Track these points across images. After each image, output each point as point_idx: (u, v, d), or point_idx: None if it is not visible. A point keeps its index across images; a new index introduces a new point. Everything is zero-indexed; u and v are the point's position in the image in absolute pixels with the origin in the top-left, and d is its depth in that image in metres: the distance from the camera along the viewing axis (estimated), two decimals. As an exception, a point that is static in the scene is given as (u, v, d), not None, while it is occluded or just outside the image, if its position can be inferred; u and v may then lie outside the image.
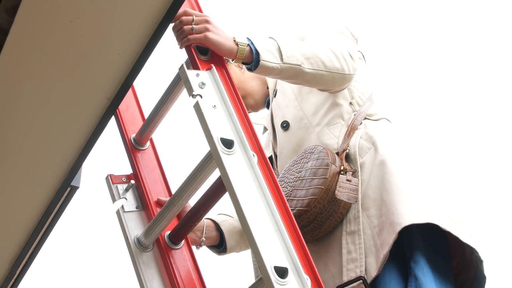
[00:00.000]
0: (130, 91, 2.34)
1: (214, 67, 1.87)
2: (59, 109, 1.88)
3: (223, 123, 1.77)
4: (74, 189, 3.39)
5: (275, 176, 1.78)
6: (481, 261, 2.05)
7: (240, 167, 1.71)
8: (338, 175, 2.06)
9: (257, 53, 1.99)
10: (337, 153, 2.16)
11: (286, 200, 1.77)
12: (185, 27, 1.97)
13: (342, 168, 2.08)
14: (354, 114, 2.28)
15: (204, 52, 1.95)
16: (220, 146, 1.70)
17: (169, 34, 2.05)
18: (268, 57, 2.00)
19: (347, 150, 2.15)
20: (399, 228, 1.92)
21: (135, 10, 1.63)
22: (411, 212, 1.95)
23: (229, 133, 1.75)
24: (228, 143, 1.72)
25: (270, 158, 2.48)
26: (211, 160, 1.77)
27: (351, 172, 2.08)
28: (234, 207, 1.66)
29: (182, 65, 1.83)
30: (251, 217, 1.62)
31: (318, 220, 2.06)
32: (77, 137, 1.97)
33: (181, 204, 1.92)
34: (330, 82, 2.17)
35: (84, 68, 1.77)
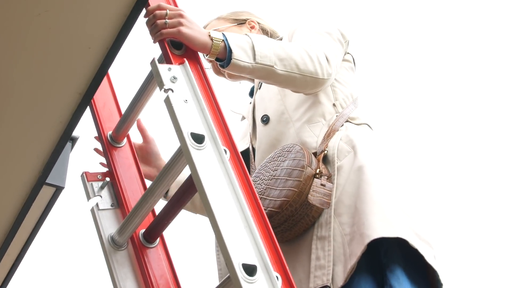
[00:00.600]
0: (108, 87, 2.32)
1: (187, 61, 1.84)
2: (30, 105, 1.85)
3: (194, 117, 1.74)
4: (59, 189, 3.37)
5: (247, 172, 1.75)
6: (441, 285, 1.99)
7: (211, 162, 1.68)
8: (313, 179, 2.03)
9: (230, 51, 1.97)
10: (315, 153, 2.13)
11: (259, 197, 1.74)
12: (159, 21, 1.94)
13: (317, 171, 2.05)
14: (337, 115, 2.25)
15: (178, 47, 1.92)
16: (189, 141, 1.67)
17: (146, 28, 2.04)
18: (240, 55, 1.98)
19: (325, 152, 2.13)
20: (367, 241, 1.89)
21: (104, 2, 1.61)
22: (382, 224, 1.92)
23: (200, 128, 1.72)
24: (198, 138, 1.69)
25: (247, 151, 2.45)
26: (181, 155, 1.74)
27: (326, 177, 2.05)
28: (202, 202, 1.63)
29: (153, 59, 1.81)
30: (219, 213, 1.59)
31: (289, 222, 2.03)
32: (50, 133, 1.94)
33: (154, 200, 1.89)
34: (302, 85, 2.14)
35: (54, 63, 1.74)
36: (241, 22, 2.65)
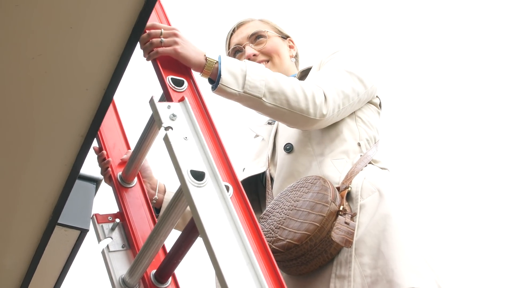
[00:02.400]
0: (117, 127, 2.31)
1: (187, 98, 1.82)
2: (32, 150, 1.85)
3: (195, 154, 1.71)
4: (84, 232, 3.37)
5: (251, 207, 1.70)
6: None
7: (211, 199, 1.64)
8: (337, 216, 1.97)
9: (220, 75, 1.97)
10: (338, 189, 2.08)
11: (274, 228, 1.70)
12: (154, 39, 1.97)
13: (341, 208, 1.99)
14: (361, 155, 2.22)
15: (179, 84, 1.91)
16: (189, 179, 1.64)
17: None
18: (228, 81, 1.98)
19: (349, 189, 2.07)
20: None
21: (96, 44, 1.61)
22: (411, 275, 1.85)
23: (200, 165, 1.69)
24: (198, 175, 1.66)
25: (261, 175, 2.42)
26: (182, 194, 1.71)
27: (350, 215, 1.99)
28: (203, 240, 1.59)
29: (152, 97, 1.79)
30: (219, 251, 1.54)
31: (307, 257, 1.97)
32: (56, 176, 1.94)
33: (161, 240, 1.86)
34: (291, 121, 2.12)
35: (52, 106, 1.75)
36: (284, 36, 2.66)
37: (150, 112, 2.11)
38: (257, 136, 2.58)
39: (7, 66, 1.61)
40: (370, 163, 2.22)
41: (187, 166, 1.67)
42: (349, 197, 2.07)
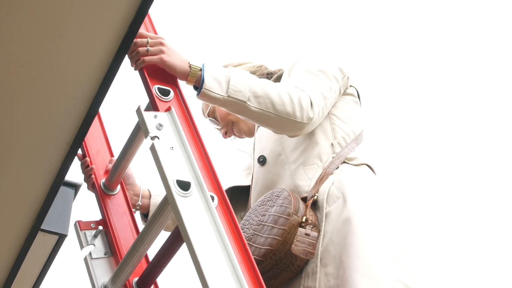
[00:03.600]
0: (101, 134, 2.32)
1: (173, 108, 1.84)
2: (18, 156, 1.85)
3: (181, 164, 1.73)
4: (62, 237, 3.36)
5: (235, 218, 1.72)
6: None
7: (197, 209, 1.66)
8: (297, 228, 1.99)
9: (203, 80, 1.98)
10: (305, 198, 2.09)
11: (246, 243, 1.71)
12: (140, 48, 1.98)
13: (304, 219, 2.00)
14: (333, 157, 2.21)
15: (166, 93, 1.92)
16: (175, 188, 1.65)
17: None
18: (212, 86, 1.99)
19: (315, 197, 2.08)
20: None
21: (85, 53, 1.62)
22: (366, 281, 1.87)
23: (186, 175, 1.71)
24: (184, 185, 1.68)
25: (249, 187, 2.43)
26: (168, 203, 1.73)
27: (311, 226, 2.00)
28: (188, 249, 1.60)
29: (139, 107, 1.81)
30: (205, 260, 1.56)
31: (274, 271, 1.99)
32: (41, 183, 1.94)
33: (144, 249, 1.87)
34: (278, 125, 2.12)
35: (40, 113, 1.75)
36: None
37: (134, 120, 2.13)
38: (244, 152, 2.60)
39: (-5, 73, 1.62)
40: (344, 162, 2.21)
41: (173, 176, 1.68)
42: (316, 205, 2.09)
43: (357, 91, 2.45)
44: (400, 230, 2.06)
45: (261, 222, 2.06)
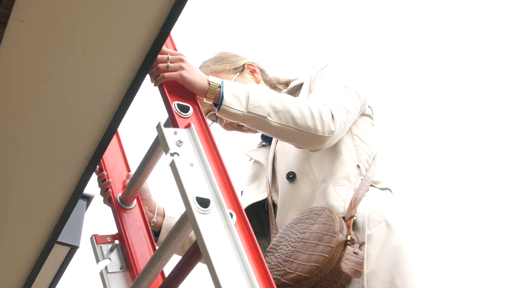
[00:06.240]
0: (118, 149, 2.33)
1: (193, 125, 1.84)
2: (37, 169, 1.87)
3: (200, 181, 1.73)
4: (74, 248, 3.37)
5: (254, 235, 1.72)
6: None
7: (216, 226, 1.66)
8: (345, 246, 1.97)
9: (222, 97, 1.99)
10: (344, 218, 2.08)
11: (281, 261, 1.71)
12: (160, 64, 2.00)
13: (349, 238, 1.98)
14: (361, 179, 2.21)
15: (185, 110, 1.93)
16: (195, 205, 1.66)
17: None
18: (232, 102, 1.99)
19: (355, 218, 2.07)
20: None
21: (108, 69, 1.63)
22: None
23: (205, 192, 1.71)
24: (204, 202, 1.68)
25: (262, 202, 2.42)
26: (187, 219, 1.73)
27: (358, 245, 1.98)
28: (207, 267, 1.61)
29: (159, 123, 1.81)
30: (224, 278, 1.57)
31: None
32: (59, 197, 1.95)
33: (161, 264, 1.88)
34: (299, 140, 2.11)
35: (60, 128, 1.76)
36: (239, 69, 2.58)
37: (150, 135, 2.14)
38: (251, 159, 2.58)
39: (19, 86, 1.63)
40: (371, 185, 2.22)
41: (193, 193, 1.68)
42: (355, 226, 2.07)
43: (372, 112, 2.46)
44: (443, 263, 2.06)
45: (302, 239, 2.03)
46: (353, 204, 2.11)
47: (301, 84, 2.51)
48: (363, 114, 2.39)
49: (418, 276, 1.93)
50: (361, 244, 1.99)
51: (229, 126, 2.52)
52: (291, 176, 2.29)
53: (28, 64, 1.58)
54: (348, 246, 1.96)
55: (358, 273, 1.94)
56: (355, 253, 1.95)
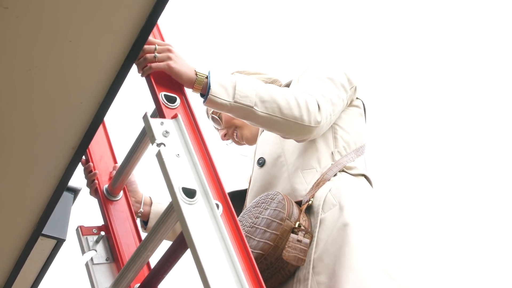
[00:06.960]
0: (104, 140, 2.32)
1: (179, 115, 1.84)
2: (22, 159, 1.85)
3: (186, 172, 1.72)
4: (60, 241, 3.35)
5: (240, 226, 1.72)
6: None
7: (202, 217, 1.65)
8: (290, 233, 1.99)
9: (209, 87, 1.98)
10: (301, 202, 2.09)
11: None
12: (148, 55, 1.99)
13: (297, 224, 2.00)
14: (332, 164, 2.21)
15: (172, 101, 1.92)
16: (181, 196, 1.65)
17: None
18: (218, 92, 1.99)
19: (310, 202, 2.08)
20: None
21: (94, 58, 1.62)
22: None
23: (191, 182, 1.70)
24: (190, 193, 1.67)
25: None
26: (173, 210, 1.72)
27: (303, 232, 2.00)
28: (193, 258, 1.60)
29: (146, 113, 1.80)
30: (209, 268, 1.56)
31: (264, 275, 1.98)
32: (44, 187, 1.93)
33: (147, 255, 1.87)
34: (286, 130, 2.11)
35: (46, 117, 1.74)
36: None
37: (137, 126, 2.13)
38: (245, 156, 2.60)
39: (2, 76, 1.61)
40: (343, 170, 2.21)
41: (179, 183, 1.68)
42: (310, 210, 2.08)
43: (363, 104, 2.46)
44: (396, 242, 2.04)
45: (254, 224, 2.06)
46: (314, 188, 2.12)
47: (289, 84, 2.52)
48: (349, 105, 2.39)
49: (354, 259, 1.90)
50: (307, 231, 2.00)
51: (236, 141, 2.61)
52: (261, 162, 2.33)
53: (12, 53, 1.56)
54: (292, 234, 1.98)
55: (301, 260, 1.96)
56: (298, 240, 1.97)
